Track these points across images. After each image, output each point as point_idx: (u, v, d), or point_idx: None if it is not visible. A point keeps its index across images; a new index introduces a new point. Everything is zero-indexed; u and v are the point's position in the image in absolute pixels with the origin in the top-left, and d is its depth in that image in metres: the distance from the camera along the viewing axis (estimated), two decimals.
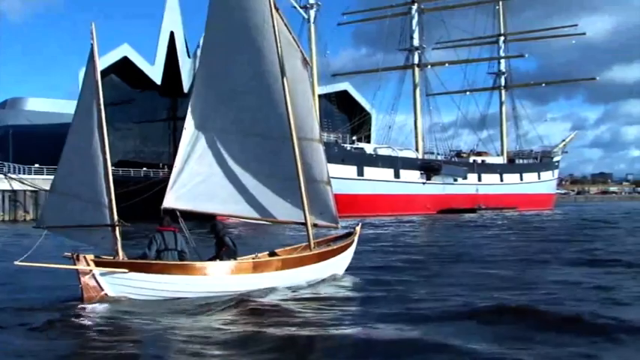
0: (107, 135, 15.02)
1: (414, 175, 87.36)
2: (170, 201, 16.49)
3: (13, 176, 67.90)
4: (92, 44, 15.31)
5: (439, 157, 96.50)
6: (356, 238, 19.06)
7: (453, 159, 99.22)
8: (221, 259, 15.76)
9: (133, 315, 13.14)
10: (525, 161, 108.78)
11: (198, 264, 15.29)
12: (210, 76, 17.30)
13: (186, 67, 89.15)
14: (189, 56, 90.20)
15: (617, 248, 27.25)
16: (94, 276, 14.17)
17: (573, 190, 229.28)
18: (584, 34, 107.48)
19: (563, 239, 33.82)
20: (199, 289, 14.92)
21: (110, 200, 14.84)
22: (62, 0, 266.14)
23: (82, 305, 13.78)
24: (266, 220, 18.65)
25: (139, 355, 10.58)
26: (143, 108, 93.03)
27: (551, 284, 17.04)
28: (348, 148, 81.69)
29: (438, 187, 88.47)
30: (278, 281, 16.00)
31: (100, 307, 13.71)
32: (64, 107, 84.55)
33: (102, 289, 14.26)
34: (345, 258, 18.51)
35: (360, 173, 79.80)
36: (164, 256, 15.10)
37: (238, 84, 17.24)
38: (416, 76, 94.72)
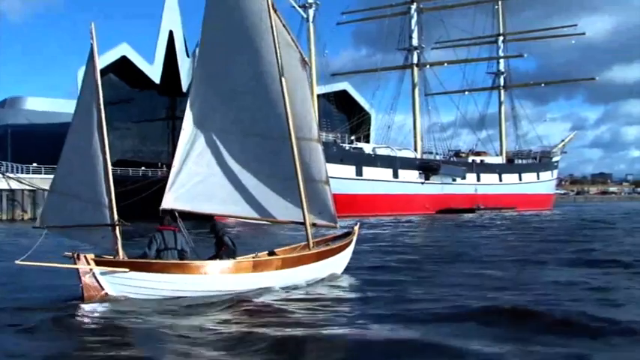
0: (106, 134, 15.05)
1: (413, 175, 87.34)
2: (169, 201, 16.48)
3: (11, 175, 67.82)
4: (92, 44, 15.33)
5: (438, 157, 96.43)
6: (354, 238, 19.11)
7: (451, 159, 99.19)
8: (221, 259, 15.80)
9: (132, 314, 13.16)
10: (524, 161, 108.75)
11: (198, 263, 15.30)
12: (210, 76, 17.31)
13: (185, 67, 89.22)
14: (188, 55, 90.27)
15: (614, 249, 27.28)
16: (94, 275, 14.19)
17: (573, 191, 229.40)
18: (583, 34, 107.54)
19: (560, 239, 33.81)
20: (199, 289, 14.94)
21: (110, 200, 14.88)
22: (62, 0, 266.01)
23: (83, 304, 13.79)
24: (265, 220, 18.72)
25: (136, 355, 10.59)
26: (142, 107, 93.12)
27: (548, 285, 17.04)
28: (347, 148, 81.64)
29: (436, 187, 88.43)
30: (277, 280, 16.03)
31: (101, 307, 13.74)
32: (63, 107, 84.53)
33: (102, 289, 14.28)
34: (344, 257, 18.58)
35: (359, 173, 79.76)
36: (164, 256, 15.13)
37: (238, 84, 17.27)
38: (415, 76, 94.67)
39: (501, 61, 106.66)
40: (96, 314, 13.22)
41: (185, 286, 14.80)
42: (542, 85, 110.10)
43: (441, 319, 12.63)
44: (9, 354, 10.56)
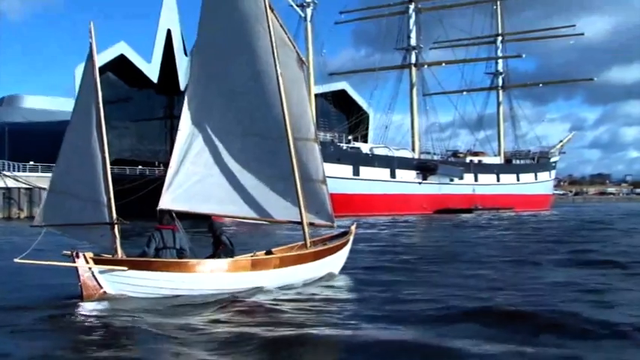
0: (105, 133, 15.10)
1: (410, 174, 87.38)
2: (166, 202, 16.48)
3: (8, 174, 67.85)
4: (91, 43, 15.37)
5: (435, 157, 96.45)
6: (351, 238, 19.17)
7: (449, 159, 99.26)
8: (218, 258, 15.85)
9: (130, 313, 13.17)
10: (522, 162, 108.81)
11: (196, 262, 15.35)
12: (208, 76, 17.32)
13: (183, 66, 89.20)
14: (186, 54, 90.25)
15: (610, 250, 27.27)
16: (93, 274, 14.24)
17: (571, 191, 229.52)
18: (582, 34, 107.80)
19: (557, 240, 33.80)
20: (198, 287, 14.99)
21: (109, 198, 14.93)
22: (62, 0, 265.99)
23: (82, 303, 13.86)
24: (262, 220, 18.74)
25: (133, 355, 10.61)
26: (140, 106, 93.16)
27: (543, 286, 17.03)
28: (344, 148, 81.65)
29: (434, 187, 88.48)
30: (275, 279, 16.09)
31: (99, 305, 13.80)
32: (61, 105, 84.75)
33: (101, 287, 14.32)
34: (341, 257, 18.64)
35: (356, 173, 79.82)
36: (163, 254, 15.18)
37: (237, 84, 17.31)
38: (413, 76, 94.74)
39: (500, 61, 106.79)
40: (94, 313, 13.26)
41: (184, 285, 14.84)
42: (540, 85, 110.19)
43: (436, 319, 12.61)
44: (6, 353, 10.56)
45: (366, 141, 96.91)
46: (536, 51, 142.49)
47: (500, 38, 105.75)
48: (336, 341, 11.19)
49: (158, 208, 16.21)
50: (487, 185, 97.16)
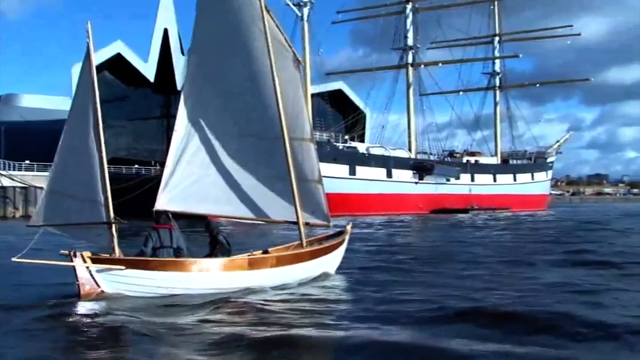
0: (102, 133, 15.12)
1: (407, 174, 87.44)
2: (163, 203, 16.52)
3: (3, 172, 67.76)
4: (88, 43, 15.38)
5: (432, 157, 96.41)
6: (347, 237, 19.24)
7: (445, 159, 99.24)
8: (216, 258, 15.91)
9: (127, 312, 13.20)
10: (519, 162, 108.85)
11: (193, 261, 15.41)
12: (204, 76, 17.34)
13: (180, 65, 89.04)
14: (183, 53, 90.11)
15: (604, 250, 27.29)
16: (90, 273, 14.29)
17: (568, 191, 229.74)
18: (579, 34, 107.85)
19: (552, 240, 33.87)
20: (195, 286, 15.04)
21: (106, 198, 14.96)
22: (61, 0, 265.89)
23: (79, 302, 13.92)
24: (259, 220, 18.75)
25: (128, 354, 10.66)
26: (136, 105, 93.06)
27: (536, 286, 17.01)
28: (341, 147, 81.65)
29: (430, 187, 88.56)
30: (272, 278, 16.16)
31: (97, 304, 13.84)
32: (58, 104, 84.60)
33: (99, 286, 14.36)
34: (337, 256, 18.69)
35: (352, 172, 79.83)
36: (160, 254, 15.25)
37: (234, 85, 17.35)
38: (409, 76, 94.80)
39: (497, 61, 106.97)
40: (92, 312, 13.28)
41: (181, 284, 14.89)
42: (537, 85, 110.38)
43: (431, 320, 12.62)
44: (2, 352, 10.61)
45: (362, 141, 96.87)
46: (533, 51, 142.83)
47: (497, 38, 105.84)
48: (330, 342, 11.18)
49: (154, 208, 16.25)
50: (484, 185, 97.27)
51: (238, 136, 17.39)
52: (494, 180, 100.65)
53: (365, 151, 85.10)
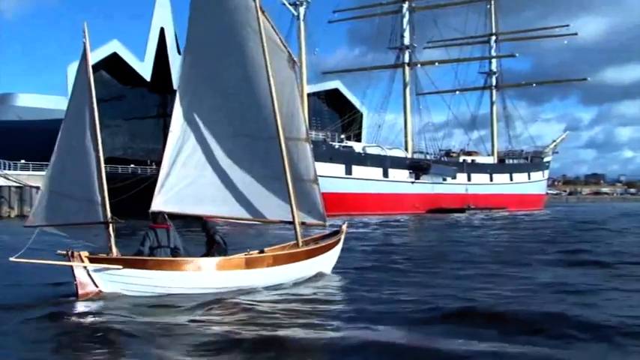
0: (99, 133, 15.17)
1: (403, 174, 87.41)
2: (158, 204, 16.58)
3: None
4: (84, 43, 15.43)
5: (429, 157, 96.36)
6: (342, 237, 19.29)
7: (442, 158, 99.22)
8: (212, 257, 15.95)
9: (124, 312, 13.24)
10: (516, 161, 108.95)
11: (190, 260, 15.47)
12: (198, 77, 17.37)
13: (176, 64, 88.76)
14: (179, 53, 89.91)
15: (599, 250, 27.33)
16: (88, 272, 14.34)
17: (565, 191, 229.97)
18: (575, 34, 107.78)
19: (548, 240, 33.93)
20: (192, 285, 15.10)
21: (103, 198, 15.02)
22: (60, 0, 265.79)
23: (77, 302, 13.98)
24: (255, 221, 18.80)
25: (123, 354, 10.77)
26: (133, 104, 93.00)
27: (530, 286, 16.99)
28: (337, 147, 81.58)
29: (426, 187, 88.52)
30: (268, 278, 16.23)
31: (95, 304, 13.90)
32: (55, 103, 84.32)
33: (96, 286, 14.42)
34: (333, 256, 18.76)
35: (349, 172, 79.74)
36: (157, 254, 15.32)
37: (228, 85, 17.41)
38: (406, 75, 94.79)
39: (493, 60, 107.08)
40: (89, 312, 13.31)
41: (178, 283, 14.95)
42: (534, 85, 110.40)
43: (425, 320, 12.61)
44: (4, 349, 10.72)
45: (359, 140, 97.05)
46: (531, 51, 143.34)
47: (493, 38, 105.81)
48: (323, 342, 11.15)
49: (150, 210, 16.34)
50: (480, 185, 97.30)
51: (233, 136, 17.43)
52: (491, 179, 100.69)
53: (361, 151, 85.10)
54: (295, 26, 77.85)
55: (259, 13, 17.13)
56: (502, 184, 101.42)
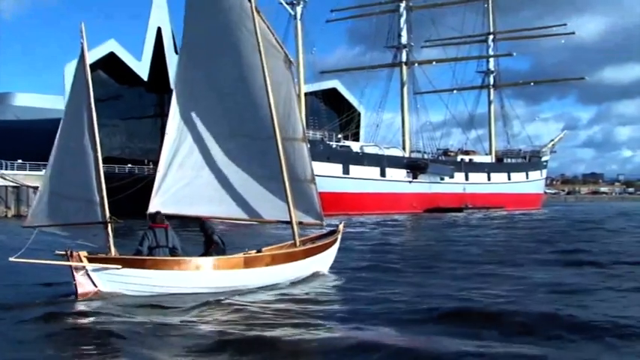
0: (97, 133, 15.22)
1: (400, 173, 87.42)
2: (155, 206, 16.67)
3: None
4: (82, 43, 15.44)
5: (426, 156, 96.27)
6: (339, 237, 19.34)
7: (440, 158, 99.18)
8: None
9: (122, 312, 13.29)
10: (513, 161, 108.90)
11: (190, 260, 15.54)
12: (195, 77, 17.41)
13: (173, 63, 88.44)
14: (176, 52, 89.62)
15: (597, 250, 27.34)
16: (87, 272, 14.39)
17: (564, 190, 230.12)
18: (572, 33, 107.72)
19: (544, 240, 33.92)
20: (190, 285, 15.16)
21: (102, 198, 15.05)
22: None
23: (76, 301, 14.05)
24: (252, 221, 18.88)
25: (119, 353, 10.66)
26: (130, 104, 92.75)
27: (524, 286, 17.02)
28: (334, 146, 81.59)
29: (424, 186, 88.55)
30: (266, 277, 16.33)
31: (93, 304, 13.94)
32: (53, 103, 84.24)
33: (95, 286, 14.46)
34: (330, 255, 18.84)
35: (346, 171, 79.76)
36: (156, 253, 15.35)
37: (224, 85, 17.47)
38: (403, 74, 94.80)
39: (491, 60, 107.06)
40: (87, 311, 13.35)
41: (177, 283, 15.01)
42: (532, 84, 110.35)
43: (421, 320, 12.63)
44: (2, 348, 10.79)
45: (357, 139, 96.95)
46: (529, 50, 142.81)
47: (491, 37, 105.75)
48: (318, 342, 11.16)
49: (147, 212, 16.42)
50: (478, 184, 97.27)
51: (231, 136, 17.50)
52: (489, 179, 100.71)
53: (358, 150, 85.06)
54: (292, 25, 78.06)
55: (254, 13, 17.16)
56: (500, 184, 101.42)
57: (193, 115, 17.24)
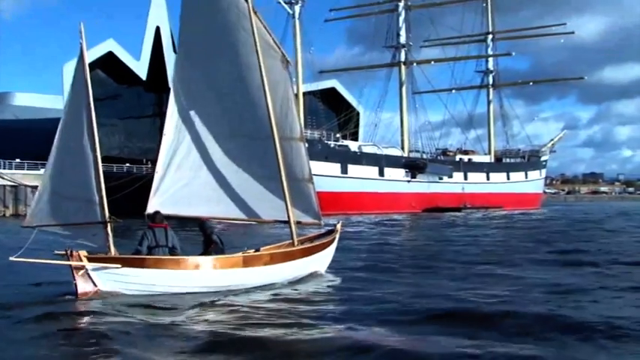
0: (96, 133, 15.27)
1: (399, 173, 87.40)
2: (154, 206, 16.69)
3: None
4: (81, 43, 15.48)
5: (425, 156, 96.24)
6: (337, 236, 19.37)
7: (438, 157, 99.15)
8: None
9: (122, 311, 13.34)
10: (513, 160, 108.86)
11: (189, 259, 15.59)
12: (192, 77, 17.43)
13: (172, 63, 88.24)
14: (175, 52, 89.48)
15: (594, 249, 27.39)
16: (87, 272, 14.44)
17: (564, 190, 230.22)
18: (572, 32, 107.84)
19: (544, 240, 33.89)
20: (190, 284, 15.20)
21: (101, 197, 15.12)
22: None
23: (76, 301, 14.11)
24: (250, 221, 18.86)
25: (123, 352, 10.64)
26: (129, 104, 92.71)
27: (521, 286, 17.00)
28: (332, 146, 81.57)
29: (423, 186, 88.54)
30: (265, 276, 16.37)
31: (93, 303, 13.99)
32: (52, 102, 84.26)
33: (95, 285, 14.52)
34: (328, 255, 18.89)
35: (344, 171, 79.67)
36: (155, 253, 15.41)
37: (223, 85, 17.48)
38: (402, 74, 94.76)
39: (490, 59, 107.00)
40: (87, 311, 13.37)
41: (176, 282, 15.06)
42: (531, 84, 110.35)
43: (418, 320, 12.64)
44: (2, 347, 10.80)
45: (356, 139, 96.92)
46: (528, 50, 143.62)
47: (490, 36, 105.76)
48: (314, 342, 11.15)
49: (146, 212, 16.45)
50: (477, 184, 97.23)
51: (230, 136, 17.53)
52: (488, 178, 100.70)
53: (357, 150, 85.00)
54: (291, 24, 78.03)
55: (252, 13, 17.17)
56: (499, 183, 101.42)
57: (191, 115, 17.25)
